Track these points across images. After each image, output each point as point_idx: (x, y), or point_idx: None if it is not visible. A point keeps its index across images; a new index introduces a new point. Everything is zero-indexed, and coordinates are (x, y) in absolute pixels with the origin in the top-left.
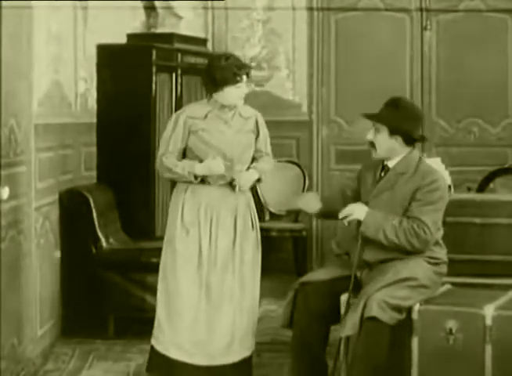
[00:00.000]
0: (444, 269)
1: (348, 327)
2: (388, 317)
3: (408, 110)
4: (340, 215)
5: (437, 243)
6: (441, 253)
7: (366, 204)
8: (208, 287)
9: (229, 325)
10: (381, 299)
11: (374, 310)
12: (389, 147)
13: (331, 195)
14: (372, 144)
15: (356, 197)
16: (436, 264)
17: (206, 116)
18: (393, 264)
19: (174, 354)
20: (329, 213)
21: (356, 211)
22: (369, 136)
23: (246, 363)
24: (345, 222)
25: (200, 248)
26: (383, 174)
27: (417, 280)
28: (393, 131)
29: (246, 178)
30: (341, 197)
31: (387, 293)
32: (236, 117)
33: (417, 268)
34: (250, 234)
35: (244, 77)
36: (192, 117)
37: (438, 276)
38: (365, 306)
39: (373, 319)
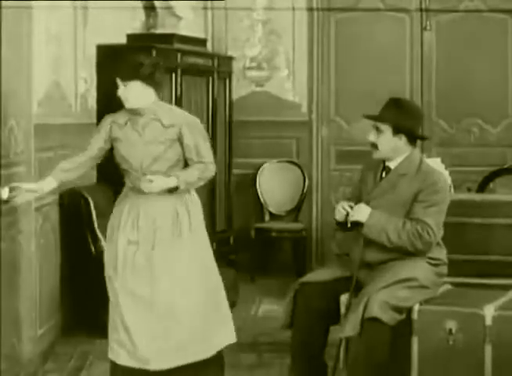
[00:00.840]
0: (444, 270)
1: (349, 327)
2: (389, 318)
3: (409, 109)
4: (340, 218)
5: (437, 244)
6: (442, 254)
7: (367, 204)
8: (133, 294)
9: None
10: (382, 300)
11: (375, 311)
12: (393, 147)
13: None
14: (374, 145)
15: (360, 201)
16: (436, 265)
17: (126, 123)
18: (393, 264)
19: (134, 363)
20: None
21: (358, 212)
22: (371, 138)
23: (213, 361)
24: (348, 223)
25: (117, 254)
26: (384, 175)
27: (417, 280)
28: (397, 130)
29: (156, 184)
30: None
31: (388, 293)
32: (151, 125)
33: (417, 269)
34: (181, 240)
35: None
36: (116, 122)
37: (438, 276)
38: (365, 307)
39: (374, 319)
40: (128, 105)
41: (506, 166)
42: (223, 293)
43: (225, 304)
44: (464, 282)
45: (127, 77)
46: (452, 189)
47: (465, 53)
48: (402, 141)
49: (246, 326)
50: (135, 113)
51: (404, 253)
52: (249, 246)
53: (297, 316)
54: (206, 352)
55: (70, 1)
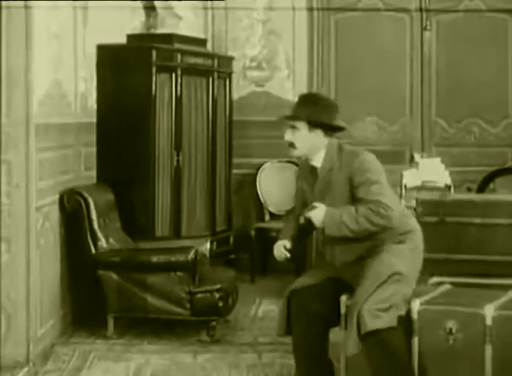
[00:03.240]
0: (417, 235)
1: (350, 345)
2: (386, 321)
3: (321, 102)
4: (302, 220)
5: (402, 215)
6: (410, 223)
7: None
8: None
9: None
10: (371, 309)
11: (369, 324)
12: (311, 143)
13: (287, 226)
14: (291, 144)
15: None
16: (406, 236)
17: None
18: (370, 266)
19: None
20: (298, 239)
21: (314, 216)
22: (288, 137)
23: None
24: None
25: None
26: (314, 177)
27: (400, 273)
28: (312, 126)
29: None
30: (295, 222)
31: (374, 300)
32: None
33: (394, 261)
34: None
35: None
36: None
37: (415, 250)
38: (358, 322)
39: (373, 332)
40: None
41: (506, 166)
42: None
43: None
44: (464, 282)
45: None
46: (453, 189)
47: (465, 53)
48: (318, 135)
49: (246, 326)
50: None
51: (373, 238)
52: (249, 246)
53: (295, 321)
54: None
55: (70, 1)
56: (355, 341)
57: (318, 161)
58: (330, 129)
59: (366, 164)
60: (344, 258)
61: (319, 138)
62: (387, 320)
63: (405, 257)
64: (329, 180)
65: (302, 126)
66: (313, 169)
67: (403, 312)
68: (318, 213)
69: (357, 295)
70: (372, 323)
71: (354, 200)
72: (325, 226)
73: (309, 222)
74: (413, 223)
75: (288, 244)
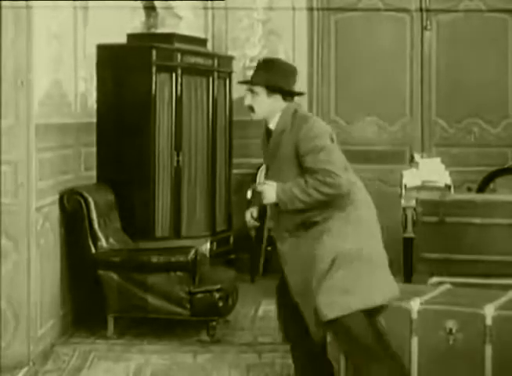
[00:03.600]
0: (365, 205)
1: (314, 333)
2: (342, 308)
3: (280, 68)
4: (249, 195)
5: (349, 183)
6: (355, 192)
7: (268, 168)
8: None
9: None
10: (325, 302)
11: (327, 314)
12: (269, 107)
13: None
14: (250, 108)
15: None
16: (351, 206)
17: None
18: (312, 253)
19: None
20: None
21: (267, 194)
22: (247, 101)
23: None
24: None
25: None
26: (269, 138)
27: (343, 254)
28: (271, 90)
29: None
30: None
31: (324, 291)
32: None
33: (335, 241)
34: None
35: None
36: None
37: (361, 222)
38: (316, 313)
39: (332, 321)
40: None
41: (506, 166)
42: None
43: None
44: (464, 282)
45: None
46: (452, 189)
47: (465, 53)
48: (277, 100)
49: (246, 326)
50: None
51: (322, 207)
52: (249, 246)
53: (278, 317)
54: None
55: (70, 0)
56: (314, 331)
57: (273, 124)
58: (289, 94)
59: (315, 129)
60: (286, 226)
61: (277, 102)
62: (343, 308)
63: (347, 234)
64: (279, 142)
65: (261, 91)
66: (269, 131)
67: (365, 294)
68: (269, 189)
69: (305, 286)
70: (329, 313)
71: (302, 168)
72: (278, 201)
73: (258, 196)
74: (359, 192)
75: (255, 213)
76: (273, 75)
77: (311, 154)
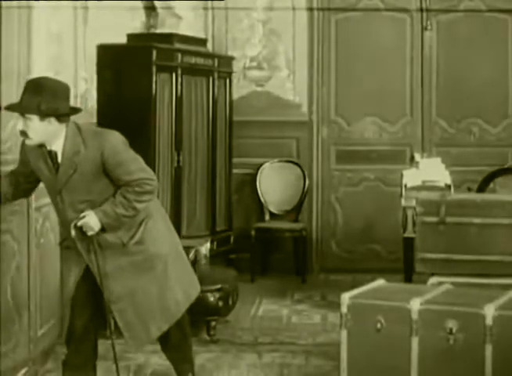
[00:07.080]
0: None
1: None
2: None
3: (50, 88)
4: (73, 233)
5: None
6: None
7: (60, 192)
8: None
9: None
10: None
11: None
12: (45, 131)
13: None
14: (24, 133)
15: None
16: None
17: None
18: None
19: None
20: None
21: (91, 224)
22: (20, 126)
23: None
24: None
25: None
26: (56, 162)
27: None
28: (43, 115)
29: None
30: (15, 179)
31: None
32: None
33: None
34: None
35: None
36: None
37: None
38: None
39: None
40: None
41: (506, 166)
42: None
43: None
44: (464, 282)
45: None
46: (453, 189)
47: (465, 53)
48: (51, 123)
49: (246, 326)
50: None
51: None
52: (249, 246)
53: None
54: None
55: (70, 0)
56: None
57: (58, 146)
58: (62, 115)
59: (115, 144)
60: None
61: (53, 125)
62: (174, 313)
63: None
64: (76, 163)
65: (33, 117)
66: (53, 154)
67: (190, 292)
68: (90, 219)
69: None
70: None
71: (117, 182)
72: (105, 226)
73: (81, 230)
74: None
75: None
76: (44, 98)
77: (122, 167)
